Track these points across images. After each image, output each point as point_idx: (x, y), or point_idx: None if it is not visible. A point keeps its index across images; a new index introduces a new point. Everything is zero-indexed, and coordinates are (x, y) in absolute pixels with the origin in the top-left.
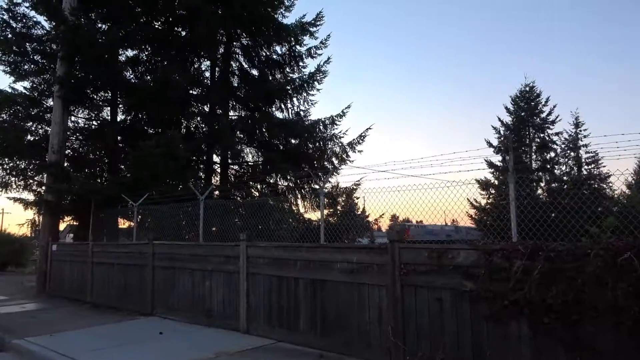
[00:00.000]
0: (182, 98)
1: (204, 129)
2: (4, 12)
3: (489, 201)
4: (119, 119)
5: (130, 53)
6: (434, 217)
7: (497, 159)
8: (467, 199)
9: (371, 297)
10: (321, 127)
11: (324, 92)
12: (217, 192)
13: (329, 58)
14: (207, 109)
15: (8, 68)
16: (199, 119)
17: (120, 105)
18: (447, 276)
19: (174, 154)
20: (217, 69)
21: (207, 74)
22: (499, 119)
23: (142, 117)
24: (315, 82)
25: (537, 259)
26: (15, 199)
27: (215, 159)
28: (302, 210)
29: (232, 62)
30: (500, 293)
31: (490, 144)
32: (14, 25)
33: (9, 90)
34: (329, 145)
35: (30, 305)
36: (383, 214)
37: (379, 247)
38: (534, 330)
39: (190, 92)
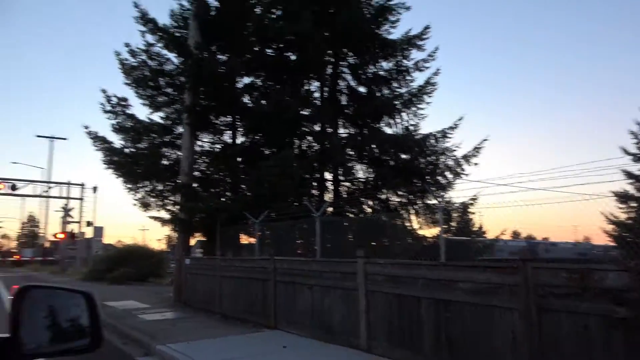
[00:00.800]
0: (294, 119)
1: (316, 148)
2: (142, 53)
3: (630, 215)
4: (238, 142)
5: (246, 80)
6: (563, 234)
7: (637, 168)
8: (602, 213)
9: (502, 321)
10: (432, 141)
11: (434, 104)
12: (329, 209)
13: (437, 70)
14: (317, 128)
15: (147, 101)
16: (310, 138)
17: (240, 129)
18: (593, 300)
19: (289, 173)
20: (325, 88)
21: (317, 94)
22: (639, 123)
23: (259, 139)
24: (424, 96)
25: None
26: (154, 218)
27: (327, 176)
28: (415, 226)
29: (339, 81)
30: None
31: (626, 152)
32: (150, 63)
33: (147, 121)
34: (442, 159)
35: (168, 314)
36: (504, 231)
37: (509, 266)
38: None
39: (301, 112)
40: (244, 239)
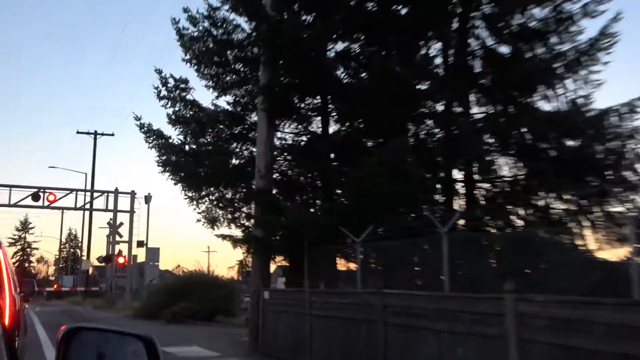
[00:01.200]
0: (407, 95)
1: (439, 136)
2: (204, 20)
3: None
4: (330, 131)
5: (339, 46)
6: None
7: None
8: None
9: None
10: (614, 119)
11: (613, 65)
12: (460, 222)
13: (617, 14)
14: (440, 108)
15: (210, 82)
16: (430, 122)
17: (332, 113)
18: None
19: (403, 172)
20: (450, 51)
21: (438, 61)
22: None
23: (358, 126)
24: (599, 53)
25: None
26: (224, 237)
27: (456, 175)
28: (591, 246)
29: (470, 40)
30: None
31: None
32: (215, 32)
33: (212, 108)
34: (630, 145)
35: None
36: None
37: None
38: None
39: (417, 86)
40: (341, 265)
